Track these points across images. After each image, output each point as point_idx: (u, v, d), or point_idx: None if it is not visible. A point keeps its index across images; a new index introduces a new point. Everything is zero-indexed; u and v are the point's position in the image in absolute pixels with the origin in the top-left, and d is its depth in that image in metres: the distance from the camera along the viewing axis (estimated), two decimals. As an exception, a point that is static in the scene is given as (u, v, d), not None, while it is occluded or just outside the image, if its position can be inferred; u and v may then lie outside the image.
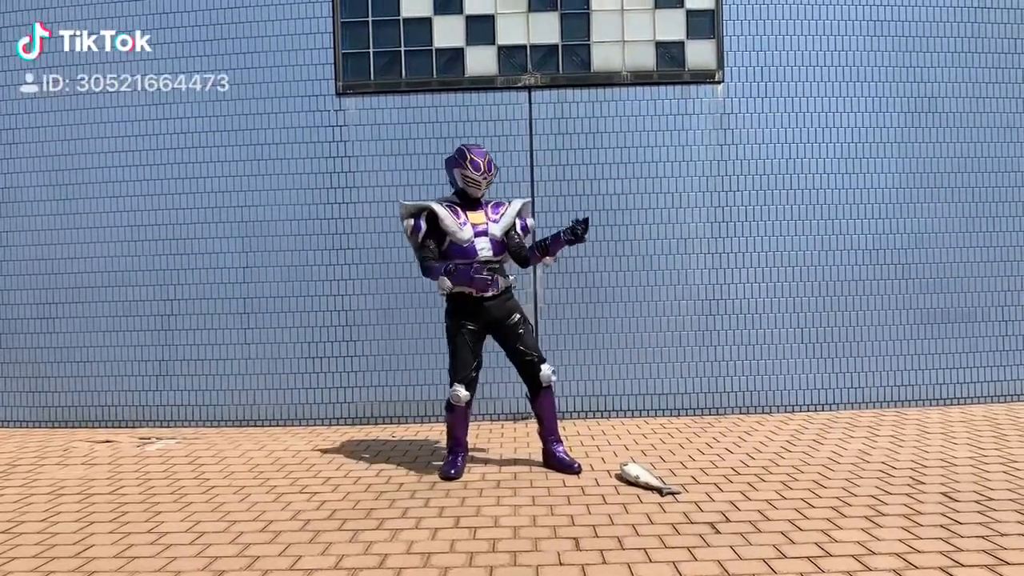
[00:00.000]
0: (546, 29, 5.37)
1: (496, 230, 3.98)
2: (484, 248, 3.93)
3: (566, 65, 5.39)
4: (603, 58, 5.38)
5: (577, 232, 3.80)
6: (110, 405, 5.51)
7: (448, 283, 3.77)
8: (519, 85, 5.37)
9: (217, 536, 3.08)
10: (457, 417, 3.99)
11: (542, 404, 4.02)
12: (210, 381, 5.45)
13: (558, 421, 4.14)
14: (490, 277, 3.79)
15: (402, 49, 5.38)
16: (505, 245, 4.07)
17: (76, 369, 5.52)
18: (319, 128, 5.41)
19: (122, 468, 4.30)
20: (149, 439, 5.07)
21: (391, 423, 5.39)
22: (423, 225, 3.94)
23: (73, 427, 5.52)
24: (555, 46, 5.38)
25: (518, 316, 4.00)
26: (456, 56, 5.39)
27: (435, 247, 3.95)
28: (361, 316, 5.41)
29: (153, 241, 5.46)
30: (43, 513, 3.47)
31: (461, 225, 3.90)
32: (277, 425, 5.41)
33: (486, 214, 4.00)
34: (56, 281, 5.52)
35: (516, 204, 4.11)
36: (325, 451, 4.59)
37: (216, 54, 5.41)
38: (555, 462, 3.98)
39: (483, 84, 5.39)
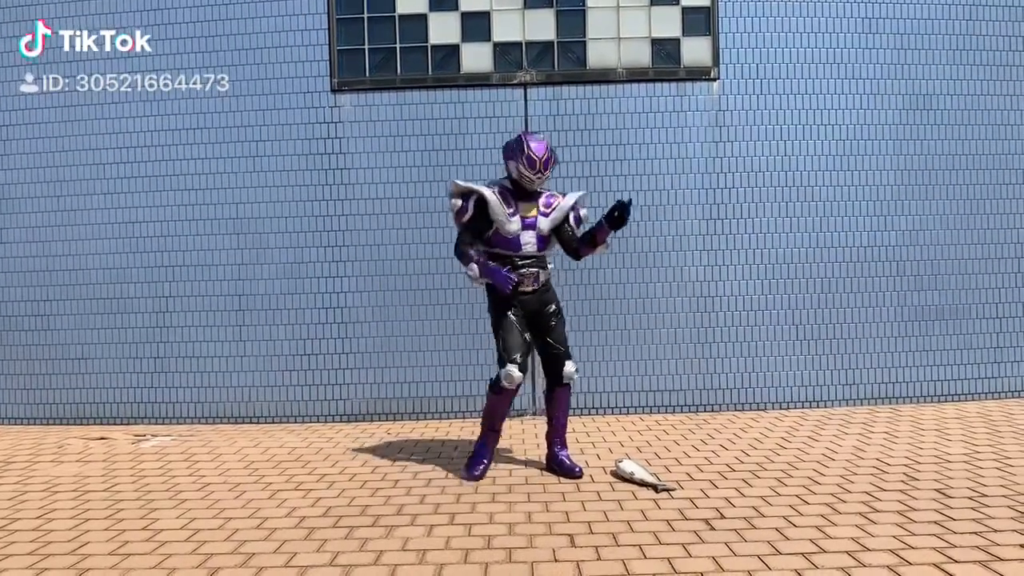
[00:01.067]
0: (542, 26, 5.37)
1: (544, 225, 3.81)
2: (529, 243, 3.77)
3: (562, 62, 5.39)
4: (598, 55, 5.38)
5: (619, 214, 3.62)
6: (105, 402, 5.50)
7: (476, 270, 3.68)
8: (514, 82, 5.37)
9: (212, 533, 3.08)
10: (503, 401, 3.79)
11: (557, 401, 3.91)
12: (205, 378, 5.45)
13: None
14: (515, 279, 3.66)
15: (397, 46, 5.38)
16: (554, 240, 3.92)
17: (71, 366, 5.51)
18: (314, 125, 5.40)
19: (117, 465, 4.30)
20: (144, 436, 5.07)
21: (387, 420, 5.39)
22: (471, 208, 3.76)
23: (68, 424, 5.51)
24: (551, 43, 5.38)
25: (553, 307, 3.88)
26: (451, 53, 5.39)
27: (475, 234, 3.80)
28: (357, 313, 5.41)
29: (147, 238, 5.46)
30: (38, 510, 3.46)
31: (510, 216, 3.74)
32: (273, 422, 5.41)
33: (538, 207, 3.82)
34: (51, 278, 5.51)
35: (571, 198, 3.89)
36: (321, 448, 4.59)
37: (211, 51, 5.40)
38: (557, 465, 3.87)
39: (478, 81, 5.38)
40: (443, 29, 5.37)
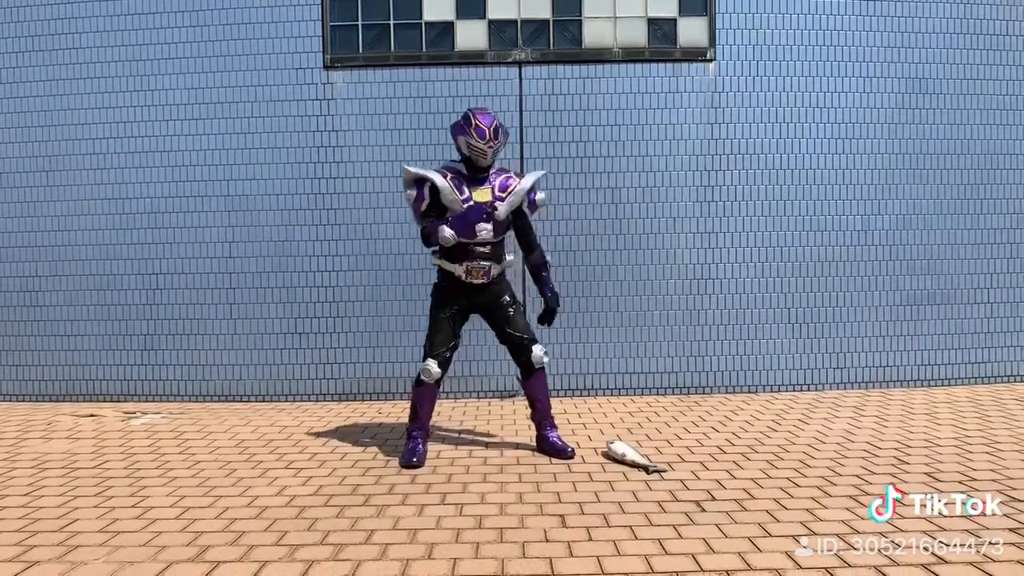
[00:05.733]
0: (537, 3, 5.31)
1: (501, 210, 3.70)
2: (485, 229, 3.65)
3: (557, 41, 5.34)
4: (594, 34, 5.33)
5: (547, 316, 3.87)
6: (95, 379, 5.47)
7: (448, 231, 3.56)
8: (509, 60, 5.32)
9: (202, 511, 3.07)
10: (425, 394, 3.82)
11: (534, 386, 3.89)
12: (196, 356, 5.42)
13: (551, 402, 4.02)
14: (494, 206, 3.62)
15: (391, 22, 5.31)
16: (511, 225, 3.85)
17: (61, 343, 5.47)
18: (306, 102, 5.34)
19: (107, 443, 4.28)
20: (134, 413, 5.05)
21: (378, 399, 5.38)
22: (426, 195, 3.72)
23: (57, 401, 5.48)
24: (546, 21, 5.32)
25: (507, 298, 3.85)
26: (446, 30, 5.33)
27: (436, 216, 3.73)
28: (348, 292, 5.38)
29: (138, 215, 5.40)
30: (27, 487, 3.45)
31: (464, 203, 3.67)
32: (263, 400, 5.39)
33: (493, 191, 3.73)
34: (41, 254, 5.46)
35: (528, 180, 3.80)
36: (312, 427, 4.58)
37: (202, 25, 5.33)
38: (548, 447, 3.85)
39: (473, 59, 5.32)
40: (437, 5, 5.30)
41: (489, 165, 3.78)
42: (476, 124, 3.65)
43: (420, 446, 3.81)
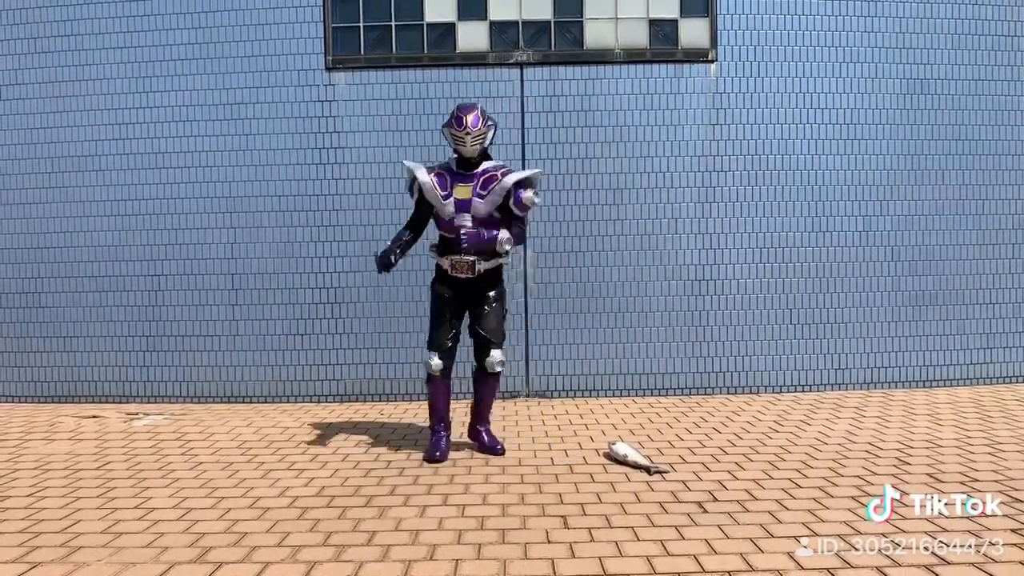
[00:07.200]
0: (539, 5, 5.31)
1: (481, 207, 3.73)
2: (463, 227, 3.72)
3: (559, 42, 5.34)
4: (596, 35, 5.33)
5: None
6: (97, 380, 5.47)
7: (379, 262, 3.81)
8: (511, 62, 5.32)
9: (205, 512, 3.07)
10: (435, 388, 3.87)
11: (483, 388, 3.95)
12: (198, 357, 5.42)
13: (493, 406, 4.11)
14: (387, 265, 3.77)
15: (393, 23, 5.31)
16: (499, 221, 3.80)
17: (63, 344, 5.48)
18: (308, 103, 5.35)
19: (109, 444, 4.28)
20: (136, 415, 5.05)
21: (380, 400, 5.38)
22: (415, 191, 3.86)
23: (60, 402, 5.49)
24: (547, 22, 5.32)
25: (492, 294, 3.83)
26: (447, 31, 5.33)
27: (420, 216, 3.92)
28: (350, 293, 5.38)
29: (140, 216, 5.41)
30: (29, 488, 3.45)
31: (444, 200, 3.73)
32: (265, 402, 5.39)
33: (475, 188, 3.75)
34: (43, 256, 5.46)
35: (510, 179, 3.74)
36: (314, 428, 4.58)
37: (204, 27, 5.33)
38: (478, 439, 3.99)
39: (474, 60, 5.33)
40: (439, 7, 5.30)
41: (474, 158, 3.78)
42: (456, 115, 3.72)
43: (443, 441, 3.88)
